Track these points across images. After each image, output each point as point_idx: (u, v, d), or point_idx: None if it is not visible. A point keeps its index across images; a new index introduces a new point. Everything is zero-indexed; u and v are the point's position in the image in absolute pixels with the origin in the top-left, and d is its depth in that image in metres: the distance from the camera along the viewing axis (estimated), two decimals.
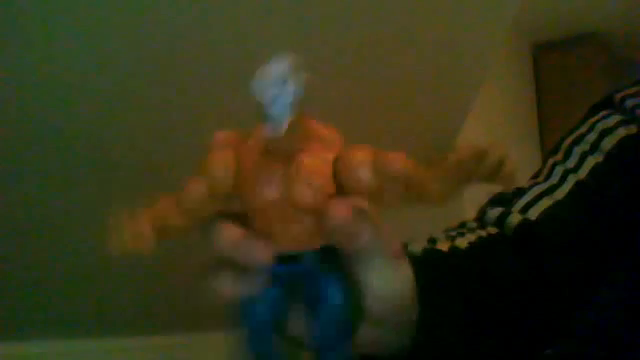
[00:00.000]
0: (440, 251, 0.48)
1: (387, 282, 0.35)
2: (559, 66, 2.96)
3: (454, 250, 0.48)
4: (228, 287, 0.34)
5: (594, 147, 0.57)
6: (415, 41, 1.36)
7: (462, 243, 0.49)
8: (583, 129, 0.59)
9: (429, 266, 0.40)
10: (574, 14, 2.78)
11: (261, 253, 0.31)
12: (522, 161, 2.70)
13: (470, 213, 0.60)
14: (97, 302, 1.45)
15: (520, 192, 0.56)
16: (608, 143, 0.56)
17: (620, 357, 0.55)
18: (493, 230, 0.52)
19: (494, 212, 0.54)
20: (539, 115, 2.98)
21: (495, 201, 0.57)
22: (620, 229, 0.52)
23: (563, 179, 0.55)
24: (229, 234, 0.32)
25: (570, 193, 0.54)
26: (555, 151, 0.60)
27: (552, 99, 2.95)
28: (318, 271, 0.32)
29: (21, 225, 1.16)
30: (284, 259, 0.31)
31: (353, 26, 1.18)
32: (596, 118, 0.60)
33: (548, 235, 0.50)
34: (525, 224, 0.51)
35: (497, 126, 2.48)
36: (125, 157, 1.18)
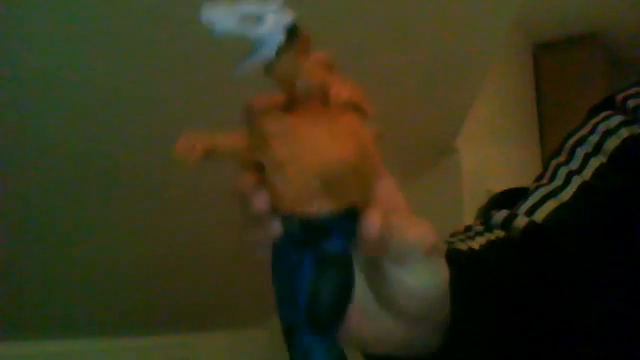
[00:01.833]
0: (461, 251, 0.47)
1: (423, 280, 0.34)
2: (559, 66, 2.96)
3: (471, 251, 0.48)
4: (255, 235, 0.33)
5: (597, 148, 0.57)
6: (415, 41, 1.36)
7: (474, 245, 0.49)
8: (585, 130, 0.59)
9: (455, 265, 0.39)
10: (574, 14, 2.78)
11: (259, 204, 0.31)
12: (522, 161, 2.69)
13: (470, 214, 0.60)
14: (97, 302, 1.45)
15: (525, 194, 0.56)
16: (611, 144, 0.56)
17: (622, 356, 0.55)
18: (501, 233, 0.52)
19: (500, 215, 0.54)
20: (539, 115, 2.98)
21: (495, 202, 0.57)
22: (625, 230, 0.52)
23: (568, 180, 0.55)
24: (241, 181, 0.32)
25: (576, 194, 0.54)
26: (558, 153, 0.60)
27: (552, 99, 2.95)
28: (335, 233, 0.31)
29: (22, 226, 1.16)
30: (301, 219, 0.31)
31: (352, 26, 1.18)
32: (598, 119, 0.59)
33: (555, 237, 0.50)
34: (532, 226, 0.51)
35: (497, 126, 2.48)
36: (128, 159, 1.18)
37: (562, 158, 0.58)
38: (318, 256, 0.31)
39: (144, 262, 1.44)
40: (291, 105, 0.32)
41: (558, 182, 0.56)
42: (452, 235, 0.54)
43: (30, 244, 1.19)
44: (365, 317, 0.35)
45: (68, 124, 1.05)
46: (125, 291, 1.48)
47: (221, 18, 0.28)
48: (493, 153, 2.39)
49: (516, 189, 0.69)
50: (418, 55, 1.40)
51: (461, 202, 2.00)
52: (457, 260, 0.41)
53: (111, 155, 1.16)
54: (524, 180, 0.59)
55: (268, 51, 0.30)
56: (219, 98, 1.16)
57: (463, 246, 0.48)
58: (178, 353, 1.83)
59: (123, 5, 0.92)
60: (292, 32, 0.30)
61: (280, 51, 0.30)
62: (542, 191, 0.55)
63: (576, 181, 0.55)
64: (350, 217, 0.31)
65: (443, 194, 1.96)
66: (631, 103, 0.59)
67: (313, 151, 0.30)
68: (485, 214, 0.56)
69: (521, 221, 0.52)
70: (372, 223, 0.31)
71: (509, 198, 0.57)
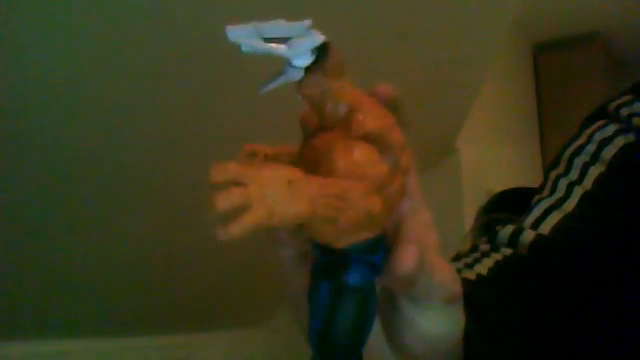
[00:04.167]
0: (471, 281, 0.47)
1: (438, 326, 0.33)
2: (559, 66, 2.96)
3: (480, 279, 0.47)
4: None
5: (594, 157, 0.57)
6: (415, 41, 1.36)
7: (482, 270, 0.49)
8: (581, 140, 0.59)
9: (467, 302, 0.38)
10: (574, 14, 2.78)
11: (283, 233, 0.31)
12: (522, 161, 2.69)
13: (470, 214, 0.60)
14: (97, 302, 1.45)
15: (528, 208, 0.56)
16: (608, 153, 0.57)
17: None
18: (507, 251, 0.52)
19: (505, 231, 0.54)
20: (539, 115, 2.98)
21: (495, 202, 0.57)
22: (630, 236, 0.52)
23: (569, 191, 0.55)
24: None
25: (579, 205, 0.54)
26: (556, 164, 0.60)
27: (552, 99, 2.95)
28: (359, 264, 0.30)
29: (22, 226, 1.16)
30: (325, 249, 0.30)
31: (352, 26, 1.18)
32: (593, 128, 0.60)
33: (563, 248, 0.51)
34: (539, 240, 0.51)
35: (497, 126, 2.48)
36: (127, 159, 1.18)
37: (561, 169, 0.58)
38: (335, 285, 0.30)
39: (144, 262, 1.44)
40: (321, 128, 0.31)
41: (559, 194, 0.56)
42: (457, 256, 0.53)
43: (30, 244, 1.19)
44: (368, 353, 0.34)
45: (68, 124, 1.05)
46: (125, 291, 1.48)
47: (247, 38, 0.27)
48: (493, 153, 2.39)
49: (516, 189, 0.69)
50: (418, 55, 1.40)
51: (461, 202, 2.00)
52: (468, 297, 0.39)
53: (111, 155, 1.16)
54: (524, 180, 0.59)
55: (296, 72, 0.29)
56: (219, 98, 1.16)
57: (471, 274, 0.48)
58: (178, 353, 1.83)
59: (122, 6, 0.92)
60: (322, 52, 0.29)
61: (308, 72, 0.29)
62: (545, 203, 0.55)
63: (577, 192, 0.55)
64: (371, 249, 0.30)
65: (443, 194, 1.96)
66: (625, 111, 0.59)
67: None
68: (490, 230, 0.56)
69: (528, 236, 0.52)
70: (409, 258, 0.30)
71: (509, 198, 0.57)
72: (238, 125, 1.22)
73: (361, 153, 0.29)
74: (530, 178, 2.52)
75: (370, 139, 0.30)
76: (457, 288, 0.33)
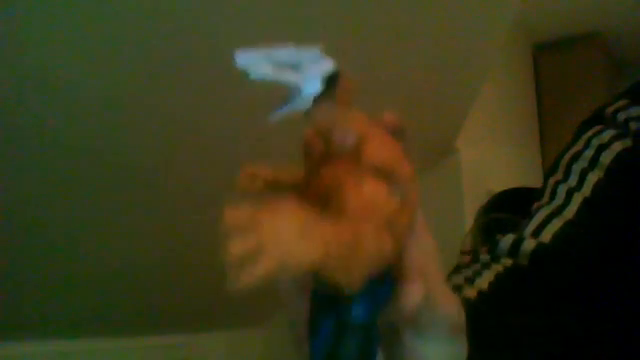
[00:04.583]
0: (472, 304, 0.45)
1: (440, 355, 0.33)
2: (559, 66, 2.96)
3: (482, 297, 0.47)
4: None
5: (593, 163, 0.57)
6: (415, 41, 1.36)
7: (483, 284, 0.48)
8: (579, 146, 0.59)
9: (470, 326, 0.37)
10: (574, 14, 2.78)
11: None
12: (522, 161, 2.69)
13: (470, 214, 0.60)
14: (97, 302, 1.45)
15: (527, 216, 0.56)
16: (606, 158, 0.57)
17: None
18: (508, 262, 0.52)
19: (506, 241, 0.53)
20: (539, 115, 2.98)
21: (495, 202, 0.57)
22: (628, 242, 0.52)
23: (568, 198, 0.55)
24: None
25: (579, 211, 0.54)
26: (554, 170, 0.60)
27: (552, 99, 2.95)
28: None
29: (22, 226, 1.16)
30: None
31: (352, 26, 1.18)
32: (590, 134, 0.60)
33: (565, 258, 0.50)
34: (541, 249, 0.51)
35: (497, 126, 2.48)
36: (128, 159, 1.18)
37: (559, 176, 0.58)
38: (338, 322, 0.29)
39: (144, 262, 1.44)
40: (328, 156, 0.30)
41: (559, 201, 0.56)
42: (457, 267, 0.53)
43: (30, 244, 1.19)
44: None
45: (68, 124, 1.05)
46: (125, 291, 1.48)
47: (256, 64, 0.27)
48: (493, 153, 2.39)
49: (516, 189, 0.69)
50: (418, 55, 1.40)
51: (461, 202, 2.00)
52: (471, 320, 0.39)
53: (111, 155, 1.16)
54: (524, 180, 0.59)
55: (304, 100, 0.29)
56: (218, 99, 1.16)
57: (472, 292, 0.47)
58: (178, 353, 1.83)
59: (122, 6, 0.92)
60: (331, 81, 0.29)
61: (317, 100, 0.29)
62: (545, 211, 0.55)
63: (577, 198, 0.55)
64: (376, 283, 0.30)
65: (443, 194, 1.96)
66: (621, 116, 0.59)
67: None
68: (490, 235, 0.56)
69: (529, 244, 0.51)
70: (414, 296, 0.30)
71: (509, 198, 0.57)
72: (238, 125, 1.22)
73: (372, 190, 0.29)
74: (530, 178, 2.52)
75: (380, 172, 0.29)
76: (461, 319, 0.33)
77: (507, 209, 0.63)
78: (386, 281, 0.30)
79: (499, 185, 1.84)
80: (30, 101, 0.97)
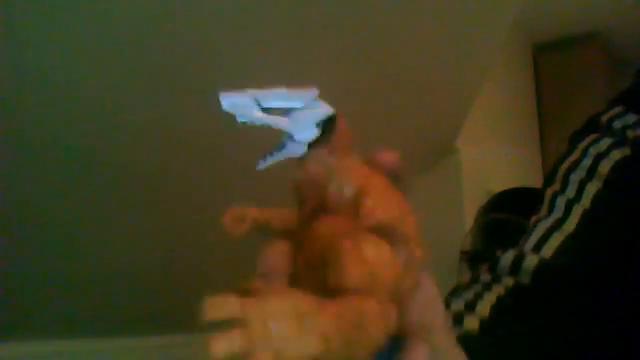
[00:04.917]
0: (475, 339, 0.45)
1: None
2: (559, 66, 2.96)
3: (484, 327, 0.46)
4: None
5: (591, 173, 0.56)
6: (415, 41, 1.36)
7: (484, 310, 0.48)
8: (576, 155, 0.58)
9: None
10: (574, 14, 2.78)
11: None
12: (522, 161, 2.69)
13: (470, 214, 0.60)
14: (97, 302, 1.45)
15: (527, 230, 0.55)
16: (604, 168, 0.55)
17: None
18: (510, 281, 0.51)
19: (507, 258, 0.52)
20: (539, 115, 2.98)
21: (495, 203, 0.57)
22: (630, 254, 0.52)
23: (568, 210, 0.54)
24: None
25: (579, 225, 0.53)
26: (552, 180, 0.59)
27: (552, 99, 2.95)
28: None
29: (22, 226, 1.16)
30: None
31: (352, 26, 1.18)
32: (587, 143, 0.59)
33: (568, 272, 0.50)
34: (543, 267, 0.50)
35: (497, 126, 2.48)
36: (128, 159, 1.18)
37: (557, 186, 0.57)
38: None
39: (144, 262, 1.44)
40: (320, 210, 0.27)
41: (558, 213, 0.55)
42: (457, 289, 0.52)
43: (30, 244, 1.19)
44: None
45: (68, 124, 1.05)
46: (125, 291, 1.48)
47: (243, 107, 0.24)
48: (493, 153, 2.39)
49: (516, 189, 0.69)
50: (418, 55, 1.40)
51: (461, 202, 2.00)
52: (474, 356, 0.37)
53: (111, 155, 1.16)
54: (524, 180, 0.59)
55: (298, 147, 0.26)
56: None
57: (474, 321, 0.46)
58: (178, 353, 1.83)
59: (122, 7, 0.92)
60: (328, 125, 0.26)
61: (312, 148, 0.26)
62: (544, 224, 0.54)
63: (577, 210, 0.54)
64: (377, 356, 0.27)
65: (443, 194, 1.96)
66: (618, 124, 0.58)
67: None
68: (492, 256, 0.54)
69: (531, 262, 0.50)
70: (418, 358, 0.29)
71: (509, 198, 0.57)
72: (238, 126, 1.22)
73: (374, 255, 0.25)
74: (530, 178, 2.52)
75: (381, 231, 0.26)
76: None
77: (507, 209, 0.62)
78: (391, 343, 0.28)
79: (499, 185, 1.84)
80: (30, 101, 0.97)
